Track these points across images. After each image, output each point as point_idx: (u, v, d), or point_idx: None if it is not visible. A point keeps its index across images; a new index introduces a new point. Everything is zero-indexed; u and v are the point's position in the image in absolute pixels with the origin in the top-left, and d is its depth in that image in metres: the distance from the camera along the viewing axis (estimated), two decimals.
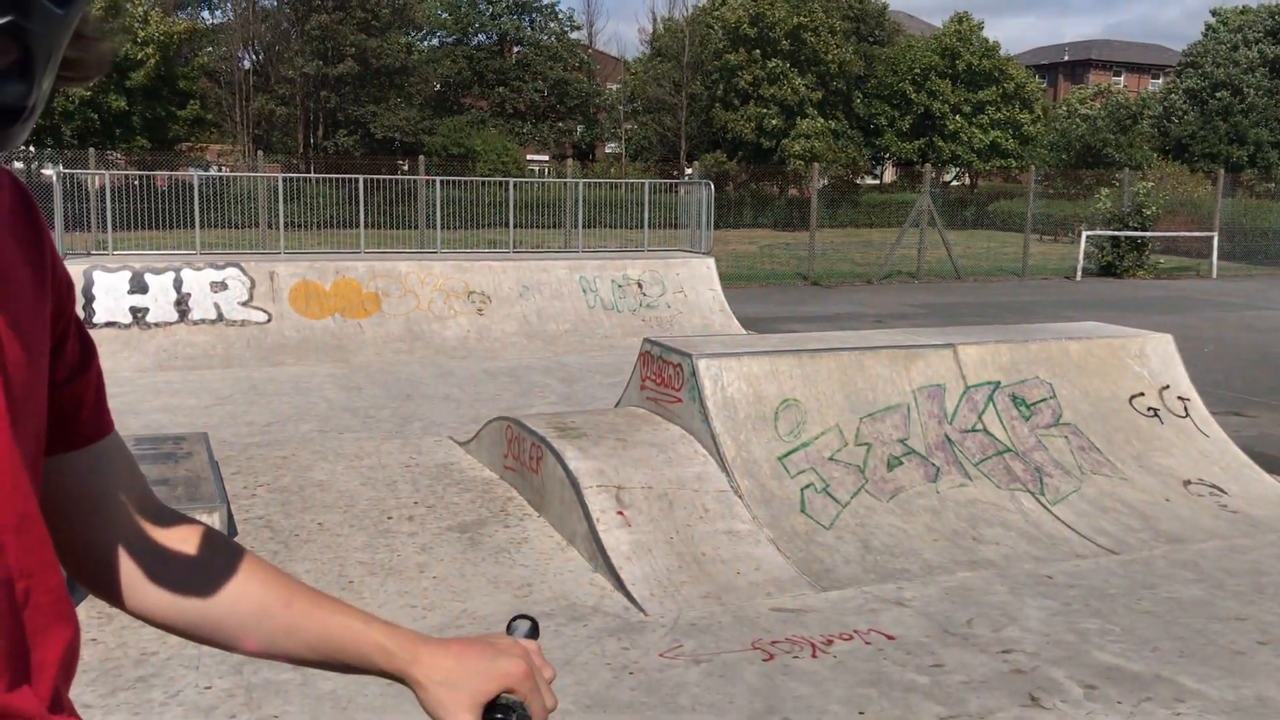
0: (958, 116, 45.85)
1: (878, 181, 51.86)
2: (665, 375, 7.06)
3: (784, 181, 42.29)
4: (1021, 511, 6.59)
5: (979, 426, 7.09)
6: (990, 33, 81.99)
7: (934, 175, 31.63)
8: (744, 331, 14.28)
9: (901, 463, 6.69)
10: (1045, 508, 6.66)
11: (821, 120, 43.18)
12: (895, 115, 46.43)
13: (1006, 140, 45.96)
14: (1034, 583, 5.74)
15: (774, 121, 42.58)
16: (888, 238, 27.12)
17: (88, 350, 1.05)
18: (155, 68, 32.47)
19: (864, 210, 39.96)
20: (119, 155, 30.99)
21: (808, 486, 6.35)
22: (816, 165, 28.54)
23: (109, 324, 12.23)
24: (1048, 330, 8.49)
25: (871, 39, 49.95)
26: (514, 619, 1.13)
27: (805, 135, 42.01)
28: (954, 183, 48.35)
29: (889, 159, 50.17)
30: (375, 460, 8.02)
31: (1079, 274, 25.46)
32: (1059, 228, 33.82)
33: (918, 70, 45.83)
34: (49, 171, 21.11)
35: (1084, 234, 26.15)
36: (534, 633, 1.12)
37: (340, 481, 7.41)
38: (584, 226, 18.36)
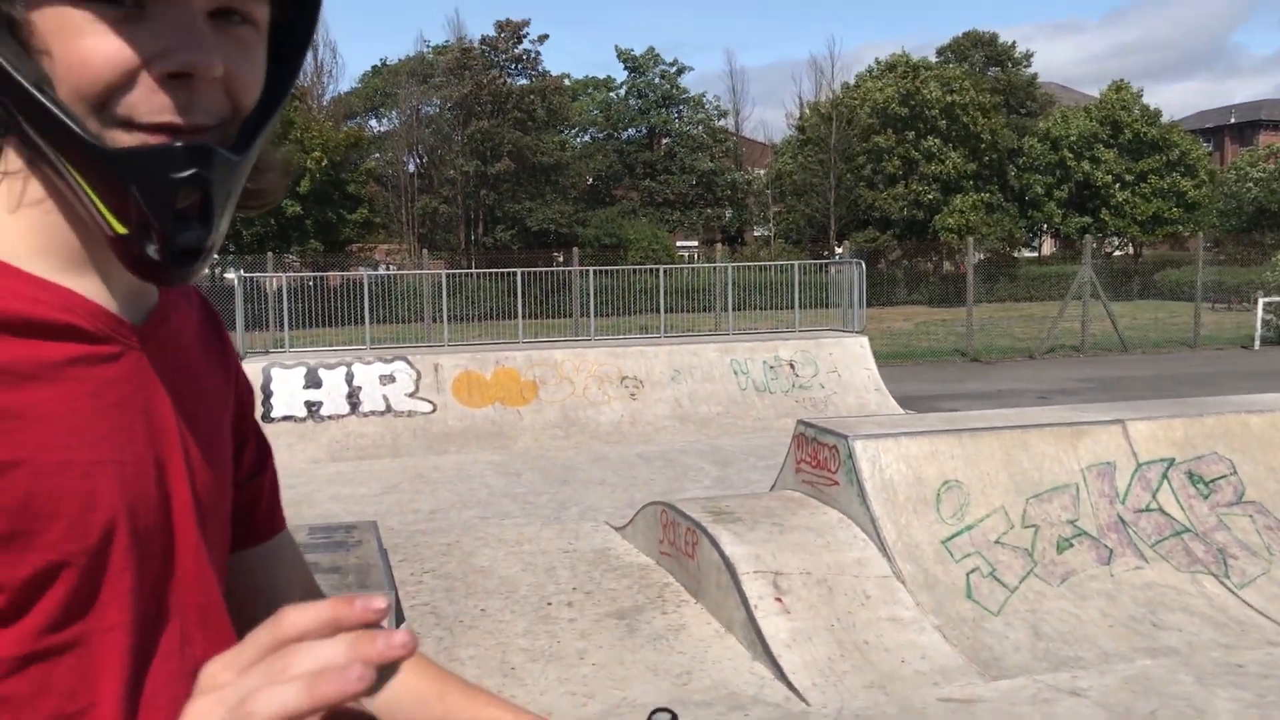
0: (1119, 186, 44.46)
1: (1036, 254, 50.54)
2: (821, 457, 6.99)
3: (938, 257, 41.66)
4: (1205, 595, 6.22)
5: (1154, 506, 6.76)
6: (1150, 99, 79.70)
7: (1095, 246, 30.62)
8: (901, 411, 14.02)
9: (1072, 545, 6.42)
10: (1231, 591, 6.27)
11: (975, 194, 42.52)
12: (1052, 186, 45.32)
13: (1169, 210, 44.23)
14: (1223, 672, 5.39)
15: (930, 197, 42.14)
16: (1049, 311, 26.33)
17: (264, 453, 1.14)
18: (324, 173, 34.46)
19: (1022, 284, 38.94)
20: (295, 257, 32.81)
21: (973, 571, 6.16)
22: (971, 239, 28.02)
23: (286, 418, 12.86)
24: (1225, 403, 8.08)
25: (1022, 110, 49.13)
26: (654, 712, 1.12)
27: (959, 210, 41.42)
28: (1116, 253, 46.69)
29: (1047, 231, 48.89)
30: (535, 546, 8.15)
31: (1257, 343, 24.14)
32: (1233, 295, 32.17)
33: (1074, 139, 44.72)
34: (231, 276, 22.44)
35: (1261, 300, 24.84)
36: None
37: (501, 567, 7.55)
38: (734, 309, 18.45)
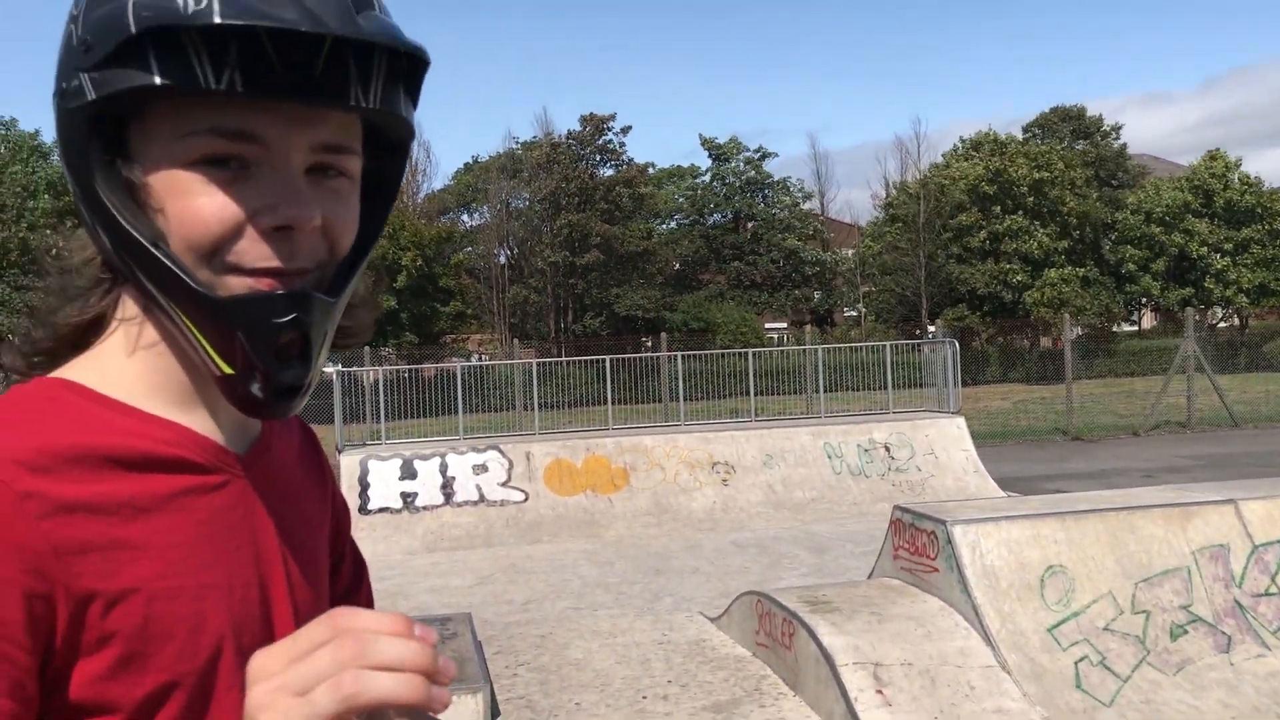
0: (1219, 256, 43.30)
1: (1135, 328, 49.34)
2: (919, 544, 6.84)
3: (1033, 333, 40.92)
4: None
5: (1274, 590, 6.45)
6: (1250, 167, 78.05)
7: (1198, 318, 29.79)
8: (1001, 493, 13.68)
9: (1186, 632, 6.15)
10: None
11: (1069, 268, 41.83)
12: (1147, 259, 44.35)
13: (1275, 279, 42.86)
14: None
15: (1018, 277, 41.58)
16: (1152, 386, 25.60)
17: (359, 569, 1.18)
18: (419, 269, 35.42)
19: (1122, 359, 38.00)
20: (391, 350, 33.58)
21: (1082, 659, 5.92)
22: (1067, 315, 27.49)
23: (382, 510, 13.04)
24: None
25: (1114, 183, 48.43)
26: None
27: (1050, 283, 40.75)
28: (1221, 324, 45.33)
29: (1146, 304, 47.76)
30: (629, 638, 8.07)
31: None
32: None
33: (1165, 211, 43.81)
34: (330, 370, 23.04)
35: None
36: None
37: (596, 660, 7.49)
38: (826, 391, 18.30)
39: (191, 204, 0.81)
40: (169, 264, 0.81)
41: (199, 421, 0.89)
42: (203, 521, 0.86)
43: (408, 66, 0.86)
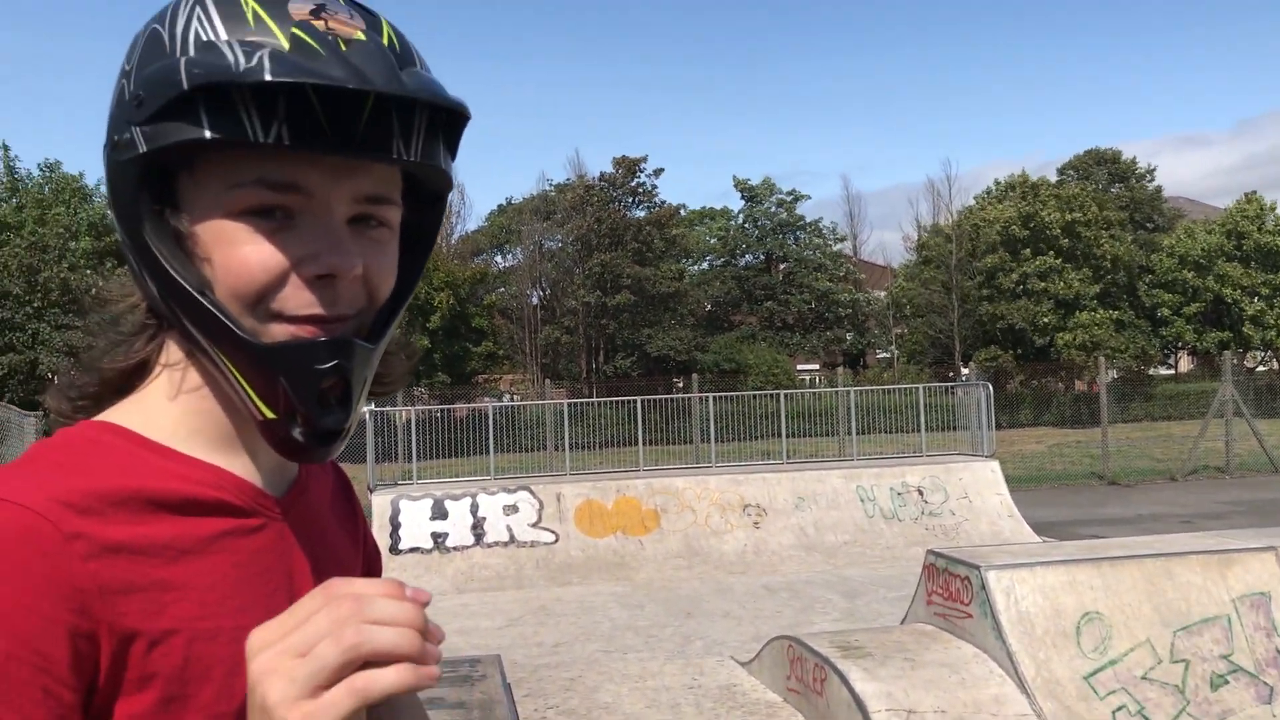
0: (1256, 300, 42.82)
1: (1172, 371, 48.78)
2: (953, 589, 6.77)
3: (1067, 376, 40.55)
4: None
5: None
6: None
7: (1235, 361, 29.43)
8: (1037, 538, 13.52)
9: (1227, 681, 6.03)
10: None
11: (1102, 311, 41.51)
12: (1182, 303, 43.91)
13: None
14: None
15: (1046, 319, 41.31)
16: (1189, 431, 25.25)
17: None
18: (451, 309, 35.69)
19: (1159, 402, 37.51)
20: (423, 390, 33.76)
21: (1120, 709, 5.82)
22: (1102, 358, 27.23)
23: (413, 549, 13.06)
24: None
25: (1149, 226, 48.13)
26: None
27: (1083, 326, 40.45)
28: (1260, 368, 44.73)
29: (1182, 348, 47.24)
30: (659, 682, 8.01)
31: None
32: None
33: (1199, 254, 43.41)
34: (363, 410, 23.15)
35: None
36: None
37: (625, 704, 7.44)
38: (858, 433, 18.20)
39: (238, 253, 0.83)
40: (215, 311, 0.83)
41: (239, 465, 0.92)
42: (241, 564, 0.88)
43: (447, 120, 0.89)
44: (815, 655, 6.61)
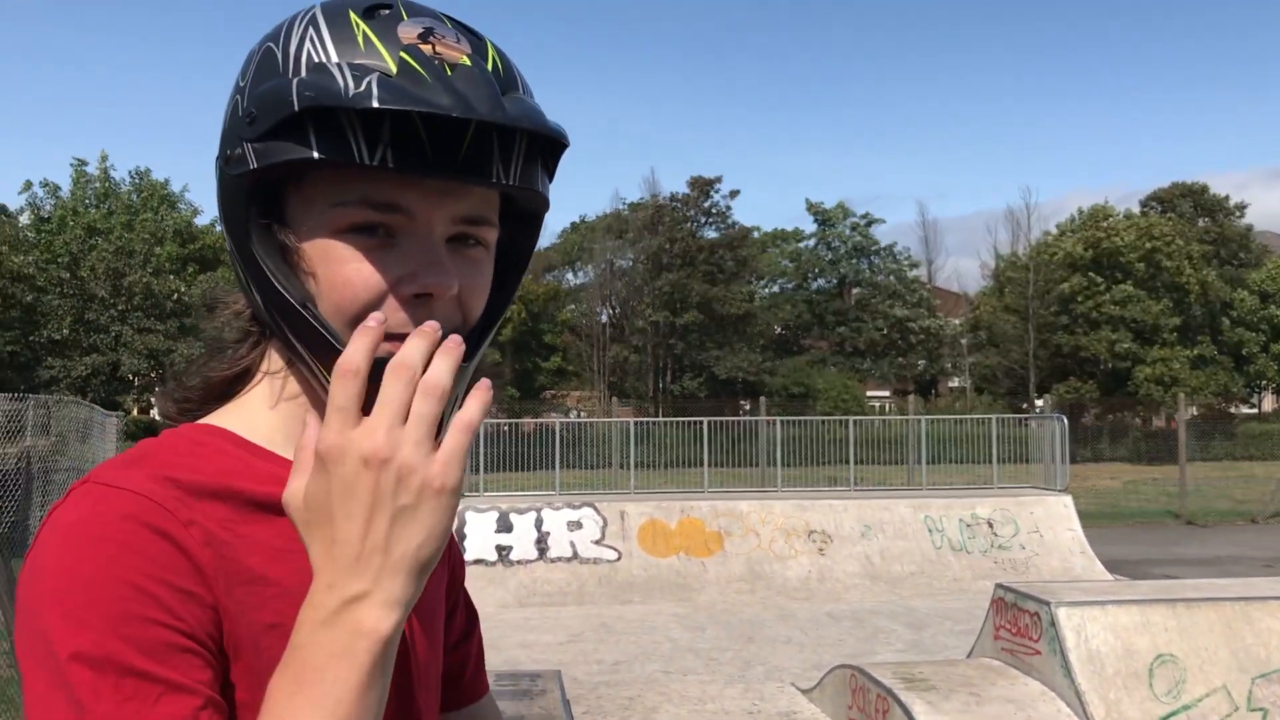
0: None
1: (1255, 410, 47.44)
2: (1021, 624, 6.63)
3: (1144, 412, 39.67)
4: None
5: None
6: None
7: None
8: (1109, 576, 13.20)
9: None
10: None
11: (1179, 347, 40.56)
12: (1268, 341, 42.72)
13: None
14: None
15: (1125, 345, 40.44)
16: (1273, 472, 24.53)
17: (472, 619, 1.21)
18: (523, 324, 36.04)
19: (1241, 442, 36.50)
20: (492, 403, 34.07)
21: None
22: (1181, 395, 26.58)
23: (477, 561, 13.14)
24: None
25: (1235, 262, 46.96)
26: None
27: (1162, 360, 39.54)
28: None
29: (1268, 386, 45.93)
30: (718, 705, 7.96)
31: None
32: None
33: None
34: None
35: None
36: None
37: None
38: (928, 463, 17.96)
39: (342, 271, 0.86)
40: (316, 324, 0.86)
41: None
42: None
43: (546, 145, 0.91)
44: (878, 686, 6.52)
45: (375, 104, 0.79)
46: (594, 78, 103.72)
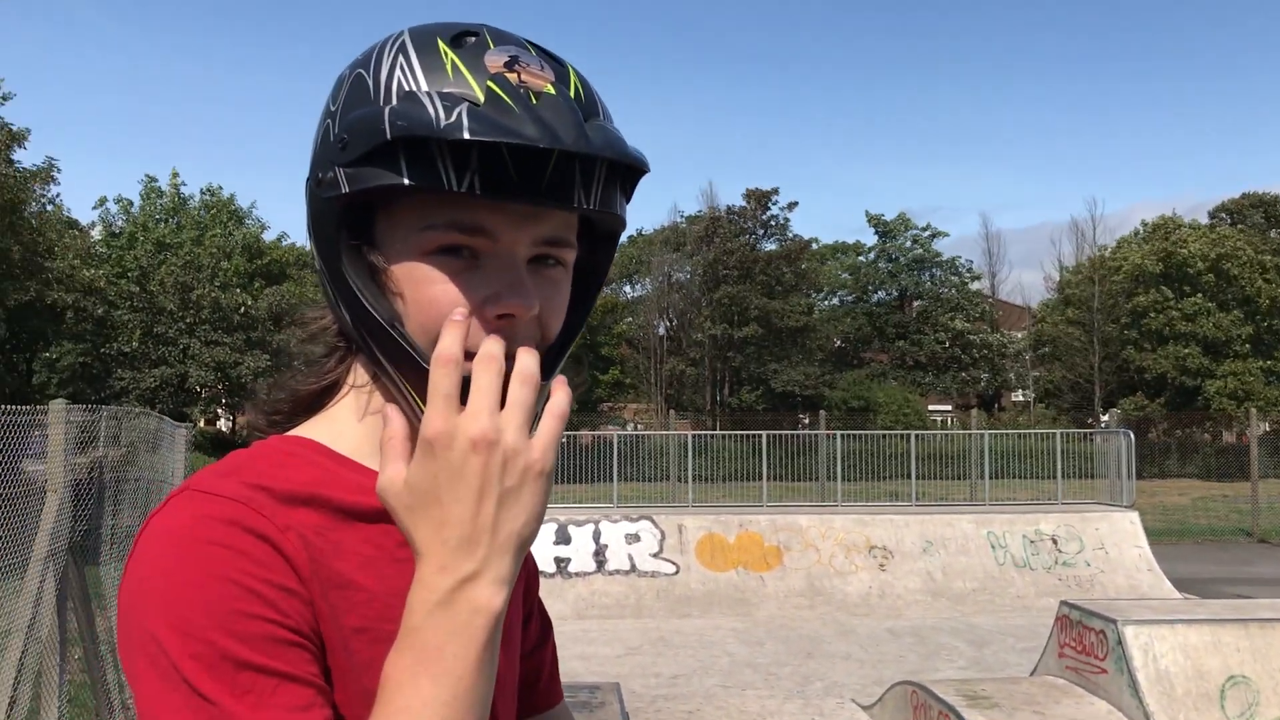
0: None
1: None
2: (1087, 642, 6.52)
3: (1214, 427, 38.77)
4: None
5: None
6: None
7: None
8: (1178, 595, 12.92)
9: None
10: None
11: (1252, 359, 39.61)
12: None
13: None
14: None
15: (1197, 360, 39.57)
16: None
17: (547, 627, 1.23)
18: (581, 337, 36.26)
19: None
20: None
21: None
22: (1254, 410, 25.95)
23: None
24: None
25: None
26: None
27: (1234, 374, 38.63)
28: None
29: None
30: None
31: None
32: None
33: None
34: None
35: None
36: None
37: None
38: (991, 478, 17.72)
39: (428, 291, 0.89)
40: (402, 343, 0.89)
41: None
42: None
43: (625, 170, 0.93)
44: (940, 703, 6.44)
45: (466, 135, 0.81)
46: (652, 90, 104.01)
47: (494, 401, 0.78)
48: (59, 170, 25.02)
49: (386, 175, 0.85)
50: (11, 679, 5.47)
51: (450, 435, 0.77)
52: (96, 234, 33.92)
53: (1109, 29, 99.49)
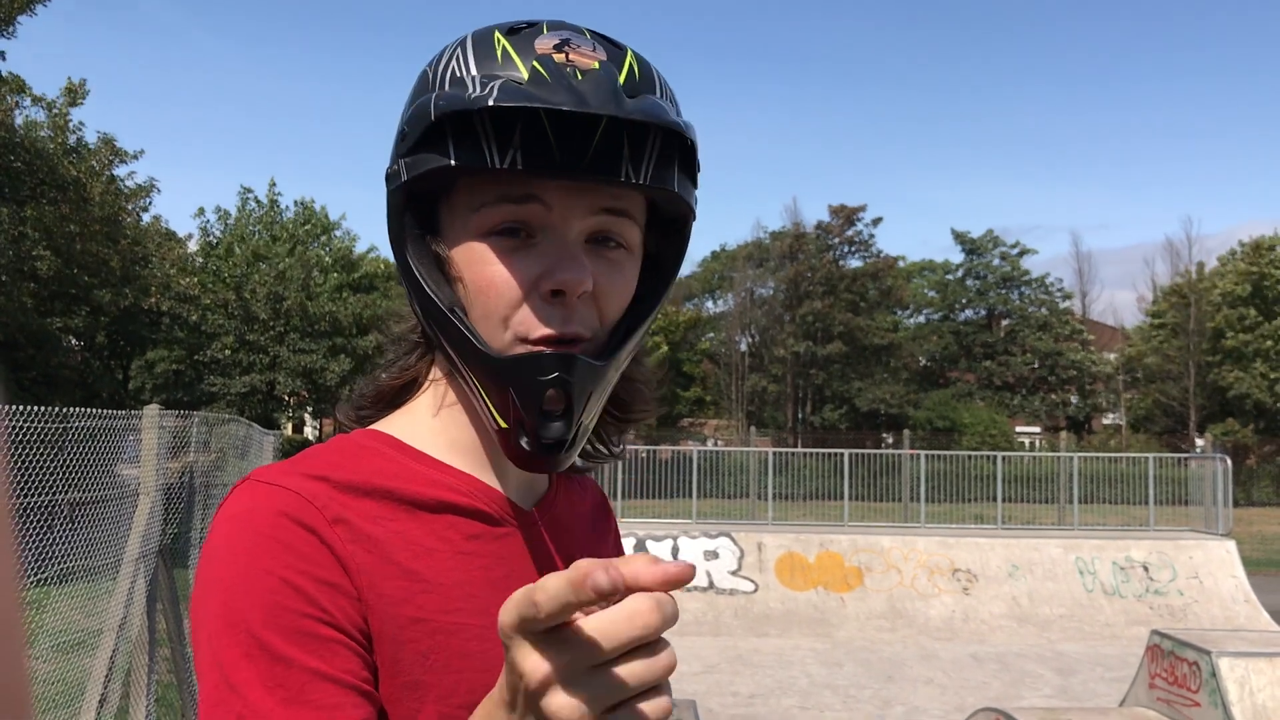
0: None
1: None
2: (1179, 674, 6.31)
3: None
4: None
5: None
6: None
7: None
8: (1276, 627, 12.45)
9: None
10: None
11: None
12: None
13: None
14: None
15: None
16: None
17: None
18: (664, 353, 36.26)
19: None
20: (631, 431, 34.34)
21: None
22: None
23: None
24: None
25: None
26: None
27: None
28: None
29: None
30: None
31: None
32: None
33: None
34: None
35: None
36: None
37: None
38: (1080, 502, 17.28)
39: (485, 272, 0.90)
40: (460, 327, 0.90)
41: (490, 476, 0.99)
42: (487, 567, 0.94)
43: (682, 146, 0.91)
44: None
45: (490, 103, 0.82)
46: (737, 105, 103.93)
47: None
48: (158, 191, 25.82)
49: (435, 159, 0.87)
50: (103, 676, 5.64)
51: None
52: (194, 245, 34.92)
53: (1212, 44, 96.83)
